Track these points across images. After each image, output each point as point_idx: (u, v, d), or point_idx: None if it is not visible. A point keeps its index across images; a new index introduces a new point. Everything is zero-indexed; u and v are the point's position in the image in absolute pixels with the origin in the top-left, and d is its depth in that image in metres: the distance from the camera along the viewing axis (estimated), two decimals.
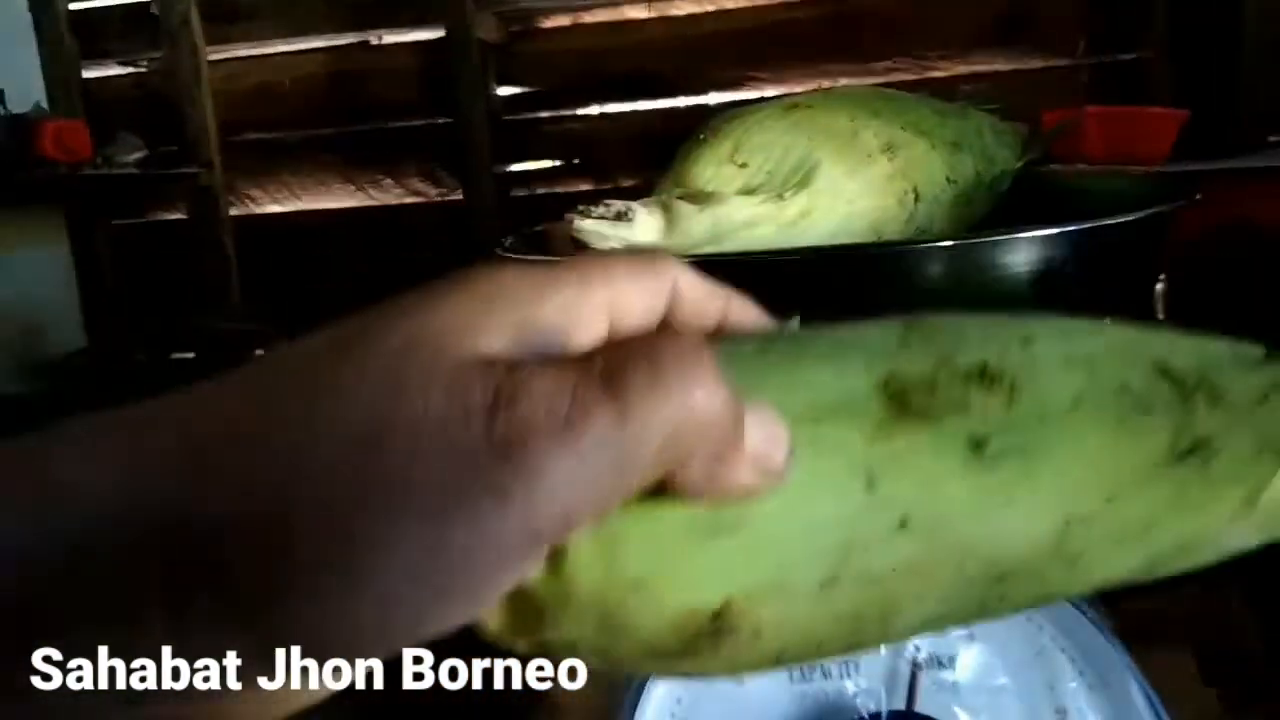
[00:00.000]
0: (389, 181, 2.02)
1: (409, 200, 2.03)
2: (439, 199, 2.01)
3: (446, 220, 2.02)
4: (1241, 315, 1.49)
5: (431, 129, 1.94)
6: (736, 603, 0.18)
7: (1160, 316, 1.38)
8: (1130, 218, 0.33)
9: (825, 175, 0.36)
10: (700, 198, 0.35)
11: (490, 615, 0.19)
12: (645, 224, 0.34)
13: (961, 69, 1.57)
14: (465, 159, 1.85)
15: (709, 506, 0.18)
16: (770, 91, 1.61)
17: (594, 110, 1.81)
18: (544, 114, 1.82)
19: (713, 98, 1.65)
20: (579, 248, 0.34)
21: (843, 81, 1.55)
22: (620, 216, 0.34)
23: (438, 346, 0.17)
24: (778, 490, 0.18)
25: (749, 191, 0.36)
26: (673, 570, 0.18)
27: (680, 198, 0.36)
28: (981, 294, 0.34)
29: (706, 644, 0.18)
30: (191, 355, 1.95)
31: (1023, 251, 0.32)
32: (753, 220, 0.35)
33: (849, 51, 1.53)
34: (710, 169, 0.36)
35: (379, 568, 0.16)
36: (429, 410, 0.16)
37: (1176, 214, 0.39)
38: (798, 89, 1.58)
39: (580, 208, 0.34)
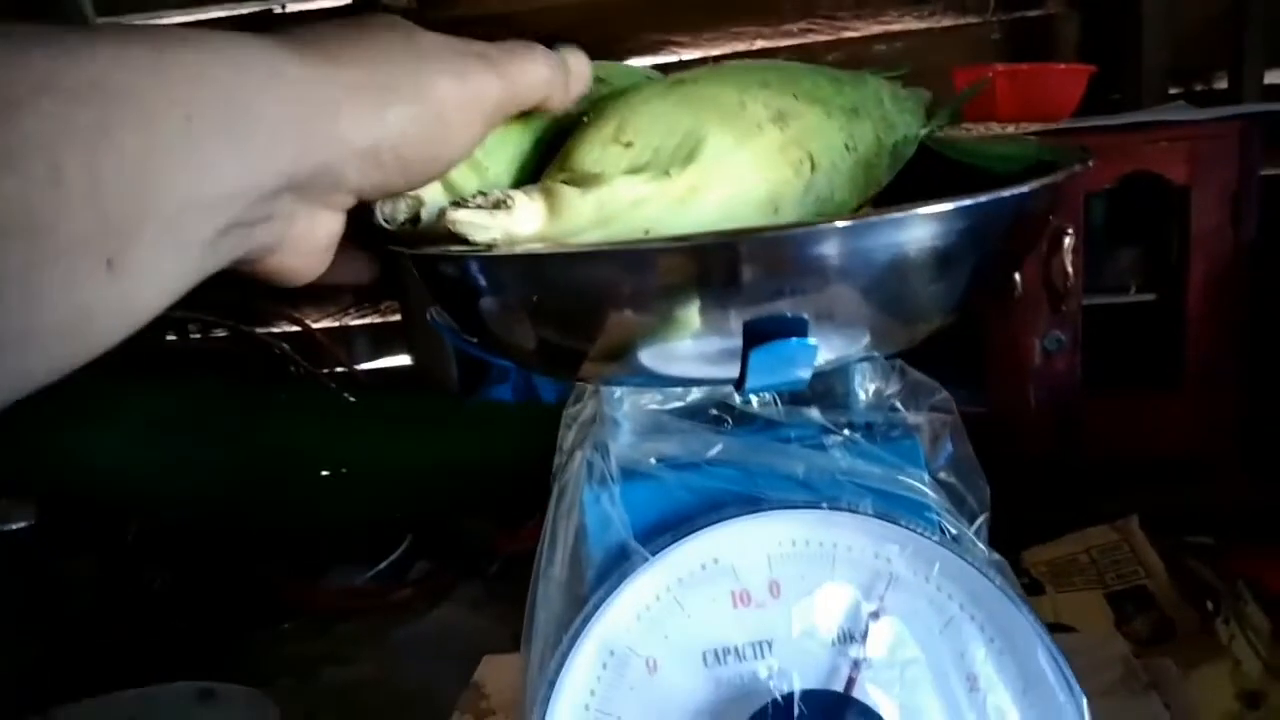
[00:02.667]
0: None
1: None
2: None
3: None
4: (1146, 262, 1.52)
5: None
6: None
7: (1069, 269, 1.40)
8: (1024, 189, 0.33)
9: (712, 148, 0.34)
10: (584, 180, 0.34)
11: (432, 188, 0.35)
12: (526, 211, 0.33)
13: (875, 28, 1.57)
14: None
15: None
16: (689, 55, 1.59)
17: None
18: None
19: (634, 63, 1.63)
20: (458, 240, 0.33)
21: (758, 44, 1.54)
22: (499, 205, 0.32)
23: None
24: None
25: (635, 171, 0.34)
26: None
27: (563, 181, 0.34)
28: (876, 267, 0.33)
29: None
30: None
31: (915, 228, 0.32)
32: (639, 200, 0.34)
33: (763, 14, 1.52)
34: (595, 150, 0.35)
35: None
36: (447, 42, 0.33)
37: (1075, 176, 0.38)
38: (715, 53, 1.57)
39: (455, 199, 0.32)
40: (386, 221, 0.36)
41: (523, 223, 0.33)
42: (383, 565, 1.48)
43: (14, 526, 1.15)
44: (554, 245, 0.33)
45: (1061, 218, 1.34)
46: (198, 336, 1.88)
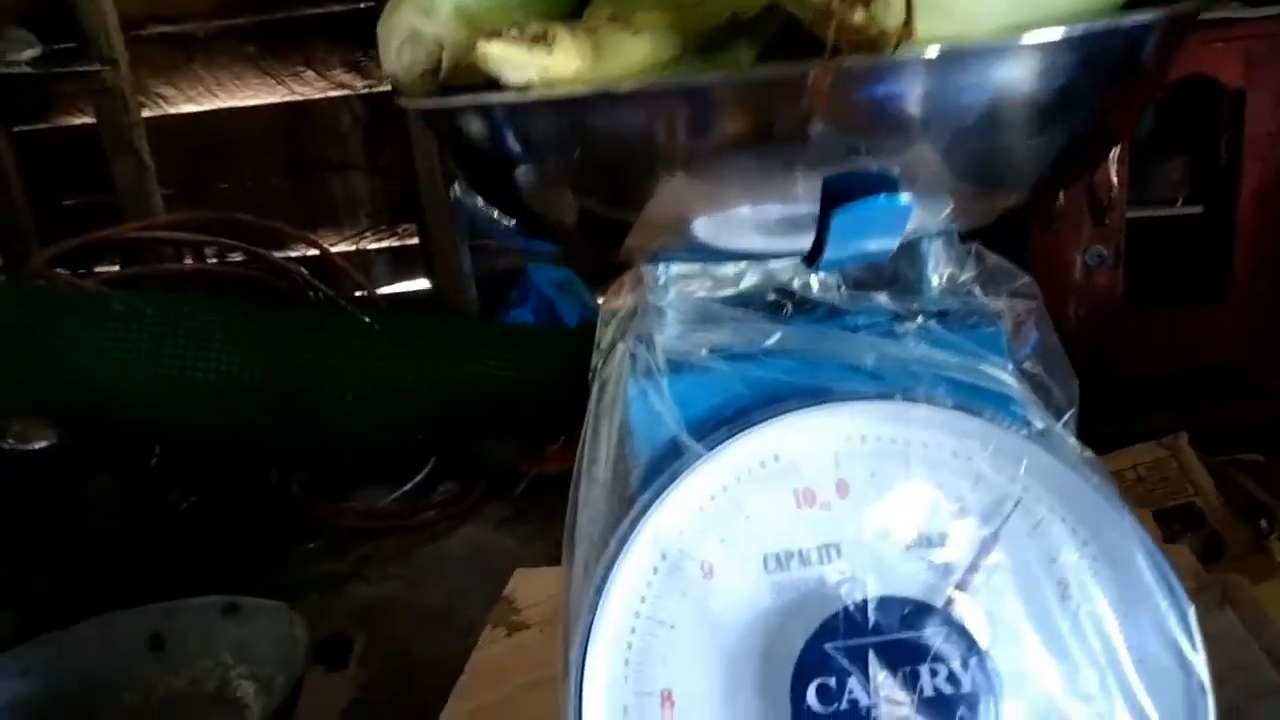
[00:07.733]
0: (310, 74, 1.89)
1: (333, 93, 1.91)
2: (366, 90, 1.89)
3: (375, 113, 1.90)
4: (1194, 173, 1.45)
5: (353, 14, 1.81)
6: None
7: (1114, 180, 1.34)
8: (1142, 19, 0.28)
9: None
10: (635, 21, 0.29)
11: None
12: (567, 50, 0.28)
13: None
14: None
15: None
16: None
17: None
18: None
19: None
20: (488, 82, 0.28)
21: None
22: (537, 40, 0.28)
23: None
24: None
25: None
26: None
27: (610, 19, 0.29)
28: (978, 106, 0.29)
29: None
30: (116, 268, 1.84)
31: (1023, 59, 0.27)
32: None
33: None
34: None
35: None
36: None
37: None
38: None
39: (490, 29, 0.28)
40: (402, 71, 0.32)
41: (563, 62, 0.28)
42: (408, 486, 1.47)
43: (35, 447, 1.13)
44: (601, 84, 0.28)
45: None
46: (214, 261, 1.84)
